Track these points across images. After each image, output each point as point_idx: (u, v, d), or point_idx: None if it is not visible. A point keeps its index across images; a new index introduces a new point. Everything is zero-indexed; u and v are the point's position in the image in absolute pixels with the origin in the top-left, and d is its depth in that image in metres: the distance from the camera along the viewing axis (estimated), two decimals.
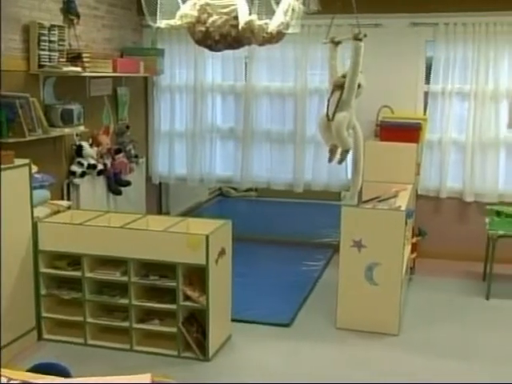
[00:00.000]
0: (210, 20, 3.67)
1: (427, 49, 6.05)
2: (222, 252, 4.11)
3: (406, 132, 5.56)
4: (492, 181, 5.98)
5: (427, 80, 6.04)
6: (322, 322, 4.68)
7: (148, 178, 6.73)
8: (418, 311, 4.92)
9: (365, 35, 3.93)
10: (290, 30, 3.68)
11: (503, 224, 5.34)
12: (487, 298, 5.20)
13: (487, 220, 5.46)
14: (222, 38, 3.70)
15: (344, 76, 4.13)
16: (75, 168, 5.31)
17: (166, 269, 4.05)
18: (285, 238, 6.73)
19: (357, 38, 3.92)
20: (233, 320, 4.43)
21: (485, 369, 4.02)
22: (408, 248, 5.09)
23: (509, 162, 5.98)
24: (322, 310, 4.86)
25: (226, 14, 3.67)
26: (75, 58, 5.01)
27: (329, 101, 4.19)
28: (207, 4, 3.67)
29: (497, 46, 5.76)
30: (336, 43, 4.29)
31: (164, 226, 4.17)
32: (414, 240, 5.51)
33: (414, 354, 4.21)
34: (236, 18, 3.63)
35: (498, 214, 5.52)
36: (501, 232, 5.17)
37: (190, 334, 4.04)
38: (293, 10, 3.64)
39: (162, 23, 3.72)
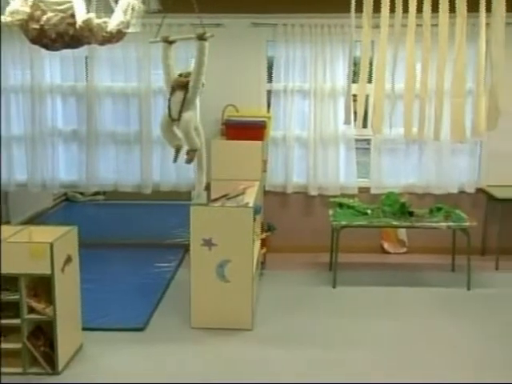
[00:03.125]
0: (45, 17, 3.50)
1: (268, 48, 6.22)
2: (69, 259, 3.97)
3: (251, 130, 5.68)
4: (333, 175, 6.28)
5: (269, 79, 6.22)
6: (177, 322, 4.66)
7: None
8: (271, 305, 5.05)
9: (212, 35, 3.95)
10: (131, 30, 3.62)
11: (345, 215, 5.62)
12: (334, 287, 5.45)
13: (331, 212, 5.72)
14: (59, 36, 3.54)
15: (182, 75, 4.12)
16: None
17: (7, 281, 3.80)
18: (135, 241, 6.60)
19: (201, 38, 3.92)
20: (84, 329, 4.28)
21: (338, 353, 4.22)
22: (258, 244, 5.22)
23: (348, 156, 6.31)
24: (176, 310, 4.84)
25: (61, 11, 3.51)
26: None
27: (170, 101, 4.16)
28: (40, 0, 3.50)
29: (332, 47, 6.05)
30: (170, 42, 4.25)
31: (3, 236, 3.92)
32: (264, 235, 5.65)
33: (268, 347, 4.31)
34: (73, 15, 3.50)
35: (341, 205, 5.81)
36: (343, 223, 5.44)
37: (37, 348, 3.84)
38: (133, 8, 3.58)
39: None
